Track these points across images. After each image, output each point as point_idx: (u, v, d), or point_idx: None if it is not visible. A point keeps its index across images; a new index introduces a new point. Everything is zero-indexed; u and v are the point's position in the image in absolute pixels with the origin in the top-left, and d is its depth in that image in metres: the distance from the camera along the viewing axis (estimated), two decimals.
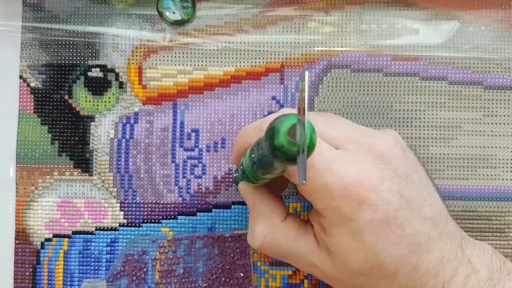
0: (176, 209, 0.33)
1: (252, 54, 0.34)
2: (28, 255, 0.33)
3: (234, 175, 0.31)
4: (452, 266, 0.25)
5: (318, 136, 0.24)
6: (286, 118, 0.19)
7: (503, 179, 0.33)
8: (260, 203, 0.27)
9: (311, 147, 0.18)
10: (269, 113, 0.34)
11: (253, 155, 0.23)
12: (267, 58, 0.34)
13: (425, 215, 0.25)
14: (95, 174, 0.34)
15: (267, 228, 0.27)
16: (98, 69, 0.34)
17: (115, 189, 0.34)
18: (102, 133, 0.34)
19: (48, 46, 0.34)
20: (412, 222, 0.25)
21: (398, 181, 0.25)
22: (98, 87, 0.34)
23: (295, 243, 0.26)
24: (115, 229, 0.33)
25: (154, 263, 0.33)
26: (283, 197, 0.33)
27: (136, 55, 0.34)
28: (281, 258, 0.28)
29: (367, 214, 0.24)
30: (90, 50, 0.34)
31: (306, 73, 0.18)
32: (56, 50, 0.34)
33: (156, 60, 0.34)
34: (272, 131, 0.19)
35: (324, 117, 0.27)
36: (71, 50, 0.34)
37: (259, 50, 0.34)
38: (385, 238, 0.24)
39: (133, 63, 0.34)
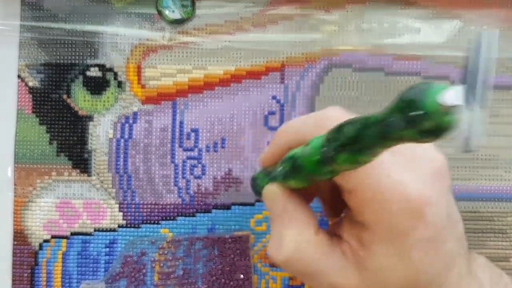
0: (176, 210, 0.33)
1: (252, 53, 0.34)
2: (26, 256, 0.33)
3: (252, 181, 0.28)
4: (465, 282, 0.24)
5: None
6: (435, 85, 0.15)
7: (505, 179, 0.33)
8: (293, 209, 0.24)
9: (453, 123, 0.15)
10: (270, 112, 0.34)
11: (328, 144, 0.20)
12: (267, 57, 0.33)
13: (458, 232, 0.24)
14: (94, 175, 0.33)
15: (300, 239, 0.24)
16: (96, 68, 0.34)
17: (114, 190, 0.33)
18: (101, 133, 0.33)
19: (47, 45, 0.34)
20: (449, 239, 0.23)
21: (448, 196, 0.23)
22: (96, 86, 0.34)
23: (324, 260, 0.24)
24: (114, 230, 0.33)
25: (153, 265, 0.32)
26: None
27: (135, 54, 0.34)
28: (301, 276, 0.25)
29: (423, 230, 0.22)
30: (89, 49, 0.34)
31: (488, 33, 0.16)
32: (54, 49, 0.34)
33: (155, 59, 0.34)
34: (413, 97, 0.15)
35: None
36: (70, 49, 0.34)
37: (260, 49, 0.33)
38: (427, 256, 0.23)
39: (132, 62, 0.34)
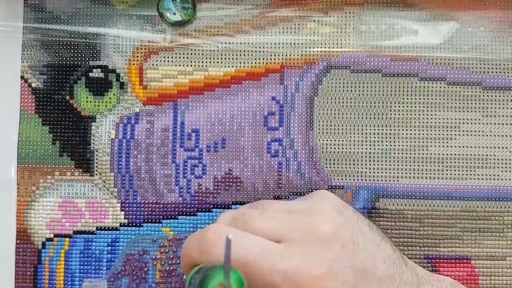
0: (177, 209, 0.34)
1: (252, 55, 0.34)
2: (29, 255, 0.33)
3: (184, 280, 0.30)
4: None
5: (256, 233, 0.24)
6: (214, 274, 0.19)
7: (502, 179, 0.33)
8: None
9: None
10: (269, 113, 0.34)
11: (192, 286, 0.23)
12: (267, 59, 0.34)
13: (381, 276, 0.25)
14: (96, 174, 0.34)
15: None
16: (99, 69, 0.34)
17: (116, 189, 0.34)
18: (103, 134, 0.34)
19: (49, 47, 0.34)
20: (371, 286, 0.24)
21: (347, 254, 0.24)
22: (99, 87, 0.34)
23: None
24: (116, 229, 0.34)
25: (155, 263, 0.33)
26: (285, 197, 0.34)
27: (137, 56, 0.34)
28: None
29: None
30: (91, 51, 0.34)
31: (230, 236, 0.19)
32: (57, 50, 0.34)
33: (156, 60, 0.34)
34: (200, 286, 0.19)
35: (259, 208, 0.27)
36: (72, 51, 0.34)
37: (259, 51, 0.34)
38: None
39: (133, 64, 0.34)
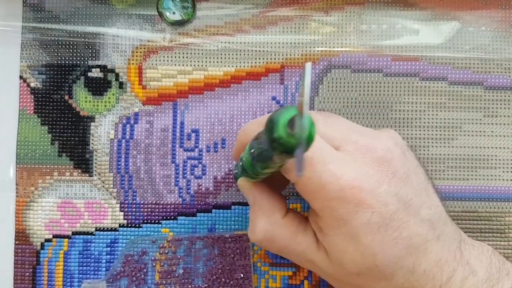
0: (176, 210, 0.33)
1: (252, 54, 0.34)
2: (28, 256, 0.33)
3: (234, 171, 0.31)
4: (450, 268, 0.25)
5: (318, 136, 0.24)
6: (286, 110, 0.18)
7: (503, 179, 0.33)
8: (260, 198, 0.27)
9: (310, 140, 0.18)
10: (269, 113, 0.34)
11: (252, 150, 0.23)
12: (267, 59, 0.34)
13: (423, 217, 0.25)
14: (95, 175, 0.34)
15: (268, 224, 0.27)
16: (98, 69, 0.34)
17: (115, 190, 0.34)
18: (102, 134, 0.34)
19: (48, 46, 0.34)
20: (410, 225, 0.25)
21: (396, 183, 0.25)
22: (98, 87, 0.34)
23: (295, 239, 0.26)
24: (115, 230, 0.33)
25: (154, 264, 0.33)
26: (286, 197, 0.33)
27: (136, 56, 0.34)
28: (280, 254, 0.28)
29: (363, 216, 0.24)
30: (90, 51, 0.34)
31: (309, 64, 0.18)
32: (56, 50, 0.34)
33: (156, 60, 0.34)
34: (271, 123, 0.18)
35: (325, 117, 0.27)
36: (71, 51, 0.34)
37: (259, 51, 0.34)
38: (381, 241, 0.24)
39: (133, 64, 0.34)
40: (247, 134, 0.27)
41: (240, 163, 0.27)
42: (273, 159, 0.21)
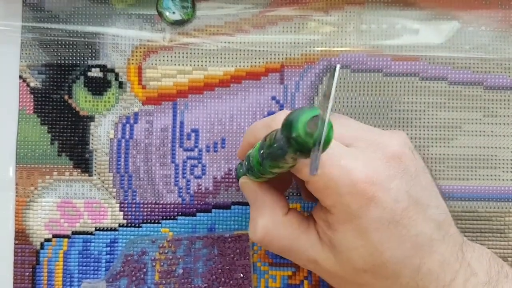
0: (176, 210, 0.33)
1: (252, 54, 0.34)
2: (28, 256, 0.33)
3: (237, 170, 0.31)
4: (453, 270, 0.25)
5: None
6: (307, 110, 0.19)
7: (503, 179, 0.33)
8: (262, 196, 0.27)
9: (327, 141, 0.18)
10: (269, 113, 0.34)
11: (262, 149, 0.23)
12: (267, 58, 0.34)
13: (430, 217, 0.25)
14: (95, 174, 0.34)
15: (269, 222, 0.27)
16: (98, 69, 0.34)
17: (114, 189, 0.34)
18: (102, 133, 0.34)
19: (48, 46, 0.34)
20: (418, 223, 0.25)
21: (407, 180, 0.25)
22: (98, 87, 0.34)
23: (297, 238, 0.26)
24: (115, 230, 0.33)
25: (154, 264, 0.33)
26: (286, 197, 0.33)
27: (136, 55, 0.34)
28: (282, 253, 0.27)
29: (374, 212, 0.24)
30: (90, 50, 0.34)
31: (338, 66, 0.18)
32: (56, 50, 0.34)
33: (155, 60, 0.34)
34: (290, 121, 0.19)
35: (335, 117, 0.27)
36: (71, 50, 0.34)
37: (259, 50, 0.34)
38: (390, 237, 0.24)
39: (133, 63, 0.34)
40: (254, 134, 0.27)
41: (246, 162, 0.27)
42: (286, 159, 0.21)
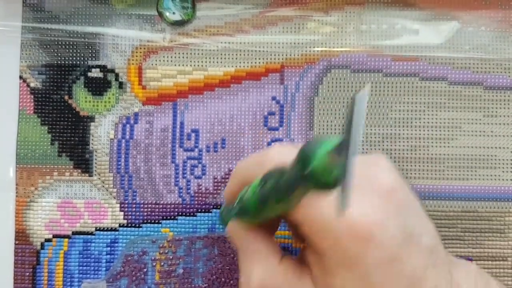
0: (176, 210, 0.34)
1: (252, 55, 0.34)
2: (28, 256, 0.33)
3: (219, 214, 0.29)
4: None
5: None
6: (325, 141, 0.17)
7: (503, 179, 0.33)
8: (254, 243, 0.25)
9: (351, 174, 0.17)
10: (269, 113, 0.34)
11: (261, 188, 0.22)
12: (267, 59, 0.34)
13: (424, 246, 0.25)
14: (95, 175, 0.34)
15: (265, 271, 0.25)
16: (98, 69, 0.34)
17: (115, 190, 0.34)
18: (102, 134, 0.34)
19: (48, 47, 0.34)
20: (413, 256, 0.24)
21: (401, 213, 0.24)
22: (98, 87, 0.34)
23: (292, 287, 0.25)
24: (115, 230, 0.33)
25: (154, 264, 0.33)
26: None
27: (136, 56, 0.34)
28: None
29: (374, 253, 0.23)
30: (90, 51, 0.34)
31: (368, 86, 0.17)
32: (56, 50, 0.34)
33: (156, 60, 0.34)
34: (307, 153, 0.17)
35: None
36: (71, 51, 0.34)
37: (259, 51, 0.34)
38: (389, 276, 0.23)
39: (133, 64, 0.34)
40: (244, 174, 0.26)
41: (237, 205, 0.25)
42: (294, 197, 0.20)
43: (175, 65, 0.34)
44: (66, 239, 0.33)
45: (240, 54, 0.34)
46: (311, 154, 0.17)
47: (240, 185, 0.26)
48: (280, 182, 0.20)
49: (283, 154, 0.24)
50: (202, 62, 0.34)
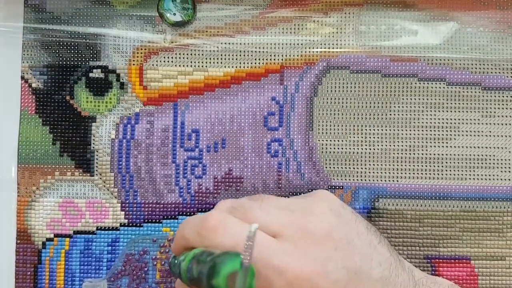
0: (177, 209, 0.34)
1: (252, 55, 0.34)
2: (30, 255, 0.34)
3: (169, 263, 0.30)
4: None
5: (257, 225, 0.24)
6: (229, 261, 0.19)
7: (501, 179, 0.33)
8: None
9: None
10: (269, 114, 0.34)
11: (190, 269, 0.23)
12: (266, 59, 0.34)
13: (375, 278, 0.25)
14: (96, 174, 0.34)
15: None
16: (99, 70, 0.34)
17: (116, 189, 0.34)
18: (103, 134, 0.34)
19: (50, 47, 0.34)
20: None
21: (341, 255, 0.24)
22: (99, 88, 0.34)
23: None
24: (116, 229, 0.34)
25: (155, 263, 0.33)
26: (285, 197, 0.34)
27: (137, 56, 0.34)
28: None
29: None
30: (91, 51, 0.34)
31: (254, 227, 0.19)
32: (57, 51, 0.34)
33: (156, 61, 0.34)
34: (212, 270, 0.19)
35: (257, 201, 0.27)
36: (73, 51, 0.34)
37: (259, 51, 0.34)
38: None
39: (134, 64, 0.34)
40: (185, 238, 0.27)
41: (178, 263, 0.26)
42: None
43: (176, 65, 0.34)
44: (68, 239, 0.34)
45: (240, 55, 0.34)
46: (217, 272, 0.19)
47: (181, 248, 0.27)
48: (202, 271, 0.22)
49: (222, 228, 0.25)
50: (202, 62, 0.34)
